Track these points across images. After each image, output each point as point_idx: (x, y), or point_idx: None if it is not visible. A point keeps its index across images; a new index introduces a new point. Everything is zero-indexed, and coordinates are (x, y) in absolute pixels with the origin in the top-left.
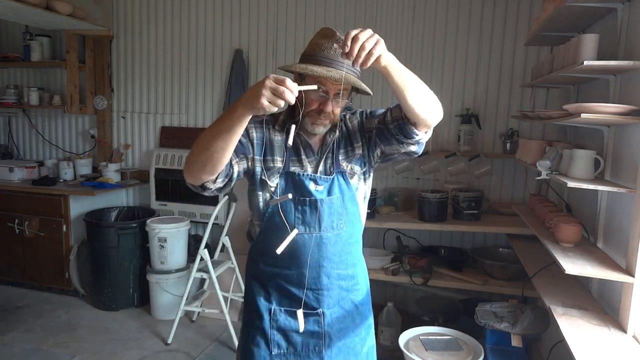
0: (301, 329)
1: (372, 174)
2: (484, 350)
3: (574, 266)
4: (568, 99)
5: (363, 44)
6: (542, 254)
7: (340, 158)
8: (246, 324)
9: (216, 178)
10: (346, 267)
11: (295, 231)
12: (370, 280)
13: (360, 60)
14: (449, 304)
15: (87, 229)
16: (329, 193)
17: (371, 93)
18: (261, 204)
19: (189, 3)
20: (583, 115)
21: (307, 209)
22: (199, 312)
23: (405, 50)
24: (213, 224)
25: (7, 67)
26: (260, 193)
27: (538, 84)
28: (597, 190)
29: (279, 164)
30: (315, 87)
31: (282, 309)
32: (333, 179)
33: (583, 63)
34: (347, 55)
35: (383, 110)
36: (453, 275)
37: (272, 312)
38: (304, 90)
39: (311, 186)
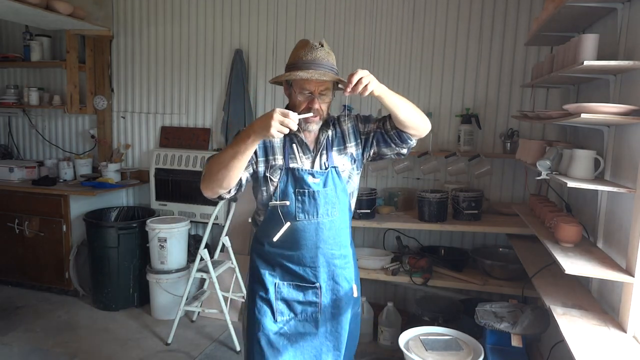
0: (275, 239)
1: (361, 170)
2: (484, 350)
3: (574, 266)
4: (568, 99)
5: (361, 79)
6: (542, 254)
7: (333, 155)
8: (253, 296)
9: (230, 189)
10: (339, 248)
11: (287, 224)
12: (370, 280)
13: (359, 90)
14: (449, 304)
15: (87, 229)
16: (324, 185)
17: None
18: (265, 197)
19: (189, 3)
20: (583, 115)
21: (307, 199)
22: (199, 312)
23: (405, 50)
24: (213, 224)
25: (7, 67)
26: (264, 188)
27: (538, 84)
28: (597, 190)
29: (279, 162)
30: (311, 114)
31: (285, 282)
32: (328, 172)
33: (583, 63)
34: (351, 89)
35: (377, 117)
36: (453, 275)
37: (277, 285)
38: (294, 93)
39: (309, 179)
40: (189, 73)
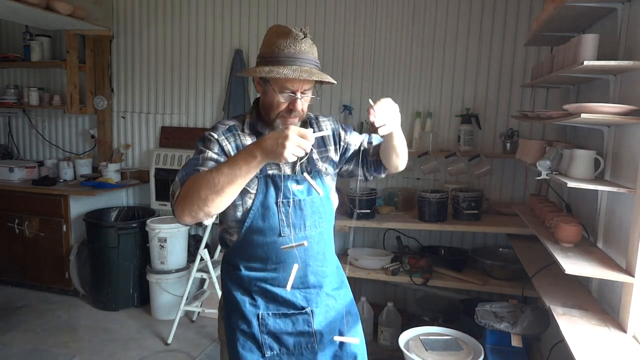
0: (288, 288)
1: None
2: (484, 350)
3: (574, 266)
4: (568, 99)
5: (389, 117)
6: (542, 254)
7: (314, 158)
8: (233, 330)
9: (215, 215)
10: (329, 264)
11: (296, 266)
12: (371, 280)
13: (383, 130)
14: (449, 304)
15: (87, 229)
16: (309, 192)
17: (335, 82)
18: (239, 213)
19: (189, 3)
20: (583, 115)
21: (291, 210)
22: (199, 312)
23: (405, 50)
24: (213, 223)
25: (7, 67)
26: (239, 203)
27: (538, 84)
28: (597, 190)
29: None
30: (329, 132)
31: (270, 312)
32: (312, 178)
33: (583, 63)
34: (373, 121)
35: (358, 134)
36: (453, 275)
37: (260, 317)
38: (272, 92)
39: (293, 187)
40: (189, 73)
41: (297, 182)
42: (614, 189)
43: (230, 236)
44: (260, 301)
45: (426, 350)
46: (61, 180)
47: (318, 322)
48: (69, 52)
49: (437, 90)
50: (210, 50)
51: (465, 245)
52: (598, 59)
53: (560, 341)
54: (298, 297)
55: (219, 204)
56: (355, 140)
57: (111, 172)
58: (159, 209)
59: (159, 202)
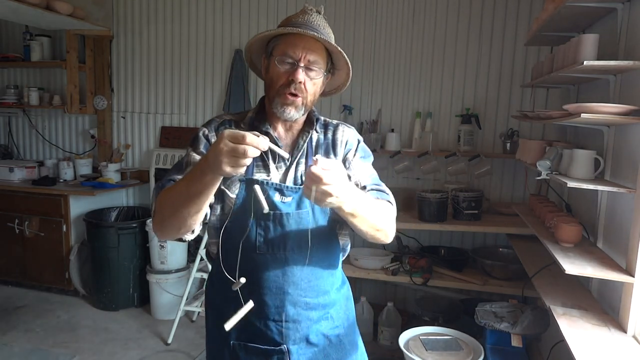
0: (227, 327)
1: None
2: (484, 350)
3: (574, 266)
4: (568, 99)
5: (320, 179)
6: (542, 254)
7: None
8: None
9: (193, 230)
10: (317, 294)
11: (250, 303)
12: (370, 280)
13: (310, 196)
14: (449, 304)
15: (87, 229)
16: (298, 206)
17: (350, 65)
18: (218, 220)
19: (189, 3)
20: (583, 115)
21: (271, 225)
22: (199, 312)
23: (405, 50)
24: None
25: (7, 67)
26: (218, 206)
27: (538, 84)
28: (597, 190)
29: None
30: (286, 155)
31: (242, 343)
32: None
33: (583, 63)
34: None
35: (368, 170)
36: (453, 275)
37: (232, 347)
38: (273, 64)
39: (276, 197)
40: (189, 73)
41: (282, 193)
42: (614, 189)
43: (211, 248)
44: (233, 329)
45: (426, 350)
46: (61, 180)
47: None
48: (69, 52)
49: (437, 90)
50: (210, 50)
51: (465, 245)
52: (598, 59)
53: (560, 341)
54: (273, 331)
55: (184, 225)
56: (358, 171)
57: (111, 172)
58: None
59: None
